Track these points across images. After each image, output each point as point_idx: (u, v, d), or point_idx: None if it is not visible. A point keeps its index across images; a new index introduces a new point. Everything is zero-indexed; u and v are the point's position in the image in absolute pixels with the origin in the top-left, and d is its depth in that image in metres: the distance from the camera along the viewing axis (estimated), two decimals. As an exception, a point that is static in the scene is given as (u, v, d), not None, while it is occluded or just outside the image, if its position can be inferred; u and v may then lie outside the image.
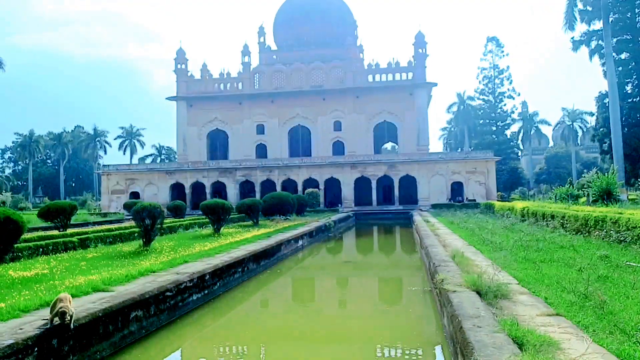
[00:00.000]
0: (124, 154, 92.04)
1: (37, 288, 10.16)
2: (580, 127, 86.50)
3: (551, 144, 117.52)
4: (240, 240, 19.76)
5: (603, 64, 39.96)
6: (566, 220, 19.88)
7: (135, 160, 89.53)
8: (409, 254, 23.62)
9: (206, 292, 12.01)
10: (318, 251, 26.29)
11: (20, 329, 6.92)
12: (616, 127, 34.10)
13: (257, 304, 14.05)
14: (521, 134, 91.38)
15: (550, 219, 22.34)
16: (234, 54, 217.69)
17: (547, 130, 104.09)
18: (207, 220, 31.44)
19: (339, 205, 53.42)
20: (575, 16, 36.31)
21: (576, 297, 7.62)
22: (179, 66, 63.27)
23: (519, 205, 29.06)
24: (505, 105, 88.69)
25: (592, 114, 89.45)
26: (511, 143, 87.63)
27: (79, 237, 18.66)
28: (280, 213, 35.01)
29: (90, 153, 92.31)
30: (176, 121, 63.71)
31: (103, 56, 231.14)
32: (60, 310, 7.00)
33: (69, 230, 21.93)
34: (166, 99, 63.91)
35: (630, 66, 37.80)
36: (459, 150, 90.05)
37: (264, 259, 17.07)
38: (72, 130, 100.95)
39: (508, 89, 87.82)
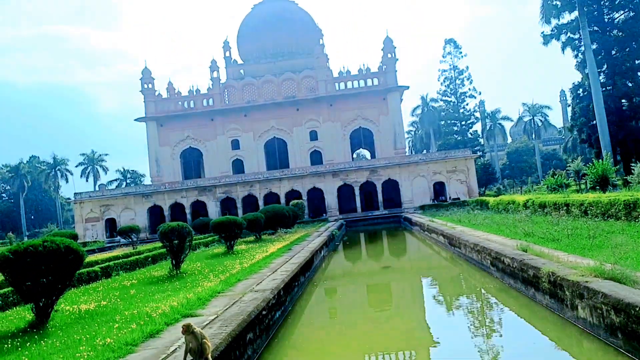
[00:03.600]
0: (87, 180, 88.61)
1: (120, 319, 9.34)
2: (541, 121, 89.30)
3: (509, 139, 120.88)
4: (269, 255, 19.12)
5: (575, 56, 41.58)
6: (587, 208, 20.18)
7: (97, 187, 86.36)
8: (432, 255, 23.35)
9: (282, 308, 11.39)
10: (342, 259, 25.85)
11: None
12: (601, 115, 35.42)
13: (328, 315, 13.41)
14: (486, 132, 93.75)
15: (563, 207, 22.65)
16: (199, 70, 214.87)
17: (506, 127, 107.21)
18: (210, 239, 30.66)
19: (324, 214, 53.03)
20: (551, 9, 37.62)
21: None
22: (145, 86, 61.54)
23: (520, 198, 29.48)
24: (467, 104, 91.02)
25: (550, 108, 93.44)
26: (475, 141, 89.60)
27: (100, 266, 17.58)
28: (279, 226, 34.33)
29: (51, 183, 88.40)
30: (147, 142, 61.82)
31: (48, 82, 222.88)
32: (203, 345, 6.27)
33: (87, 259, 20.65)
34: (135, 120, 61.99)
35: (599, 56, 39.42)
36: (424, 152, 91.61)
37: (307, 271, 16.49)
38: (27, 161, 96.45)
39: (469, 89, 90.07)
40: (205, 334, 6.42)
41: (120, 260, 19.36)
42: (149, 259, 21.17)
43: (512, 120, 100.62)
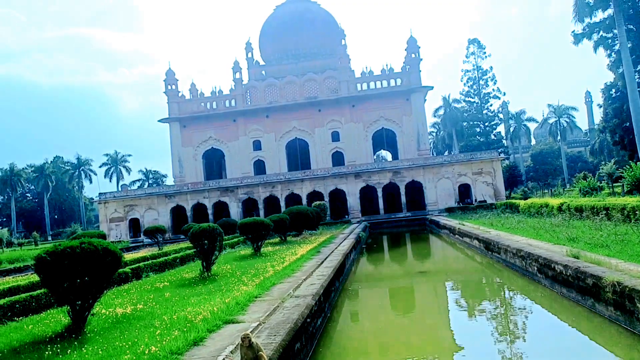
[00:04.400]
0: (110, 181, 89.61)
1: (160, 325, 9.00)
2: (567, 123, 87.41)
3: (533, 141, 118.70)
4: (299, 258, 18.73)
5: (609, 55, 40.44)
6: (629, 212, 19.36)
7: (119, 188, 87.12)
8: (466, 259, 22.66)
9: (322, 315, 10.95)
10: (371, 263, 25.37)
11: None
12: (638, 115, 34.23)
13: (369, 322, 12.93)
14: (510, 133, 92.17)
15: (602, 212, 21.83)
16: (221, 72, 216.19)
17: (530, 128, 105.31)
18: (235, 240, 30.38)
19: (346, 216, 52.48)
20: (584, 7, 36.59)
21: None
22: (169, 87, 61.79)
23: (554, 201, 28.57)
24: (491, 105, 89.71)
25: (576, 109, 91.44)
26: (499, 143, 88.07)
27: (130, 267, 17.37)
28: (304, 228, 33.96)
29: (75, 183, 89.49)
30: (170, 143, 62.05)
31: (71, 83, 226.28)
32: (260, 358, 5.85)
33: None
34: (158, 121, 62.26)
35: (634, 56, 38.15)
36: (446, 153, 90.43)
37: (340, 275, 16.04)
38: (52, 161, 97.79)
39: (493, 89, 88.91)
40: (260, 346, 6.01)
41: (150, 261, 19.15)
42: (177, 260, 20.95)
43: (537, 122, 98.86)
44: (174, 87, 62.09)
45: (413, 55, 59.86)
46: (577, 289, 10.22)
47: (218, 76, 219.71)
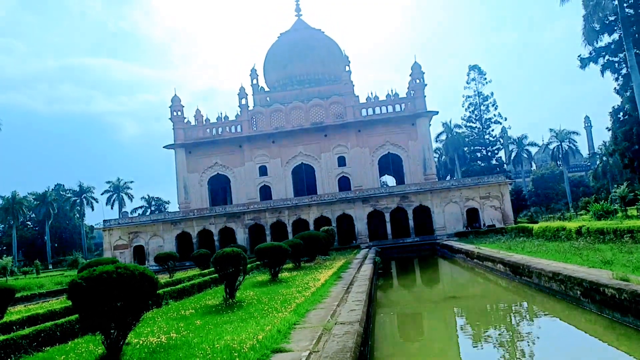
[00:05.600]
0: (112, 208, 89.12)
1: (202, 355, 8.50)
2: (569, 147, 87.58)
3: (533, 166, 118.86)
4: (324, 284, 18.21)
5: (616, 79, 40.65)
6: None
7: (120, 215, 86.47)
8: (492, 284, 22.05)
9: (368, 342, 10.44)
10: (392, 288, 24.81)
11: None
12: (651, 137, 34.32)
13: (410, 351, 12.38)
14: (512, 158, 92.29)
15: (627, 234, 21.46)
16: (226, 99, 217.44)
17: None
18: (248, 267, 29.73)
19: (354, 241, 51.93)
20: (593, 32, 36.98)
21: None
22: (174, 113, 61.85)
23: (572, 225, 28.16)
24: (492, 130, 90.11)
25: (578, 134, 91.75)
26: (500, 168, 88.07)
27: (150, 294, 16.78)
28: (316, 253, 33.43)
29: (76, 211, 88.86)
30: (175, 169, 61.77)
31: (71, 111, 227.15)
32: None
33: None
34: (164, 147, 62.09)
35: (640, 79, 38.36)
36: (448, 177, 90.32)
37: (372, 301, 15.53)
38: (53, 189, 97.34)
39: (494, 115, 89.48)
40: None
41: (168, 288, 18.61)
42: (195, 287, 20.40)
43: (538, 146, 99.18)
44: (179, 113, 62.17)
45: (418, 81, 60.20)
46: (635, 314, 9.77)
47: (223, 103, 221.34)
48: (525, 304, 17.11)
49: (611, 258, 15.70)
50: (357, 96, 62.30)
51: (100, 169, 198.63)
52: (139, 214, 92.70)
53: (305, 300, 14.08)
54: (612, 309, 10.77)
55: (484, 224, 50.09)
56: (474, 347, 12.16)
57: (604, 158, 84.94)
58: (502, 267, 21.29)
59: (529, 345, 11.93)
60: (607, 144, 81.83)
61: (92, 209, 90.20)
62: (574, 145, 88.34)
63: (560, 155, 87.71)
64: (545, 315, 14.78)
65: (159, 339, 10.24)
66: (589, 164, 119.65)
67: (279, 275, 22.92)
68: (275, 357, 8.25)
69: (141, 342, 10.24)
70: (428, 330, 14.61)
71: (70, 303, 15.76)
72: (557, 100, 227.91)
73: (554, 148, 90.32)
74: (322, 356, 7.40)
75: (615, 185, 78.39)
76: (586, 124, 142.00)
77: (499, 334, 13.18)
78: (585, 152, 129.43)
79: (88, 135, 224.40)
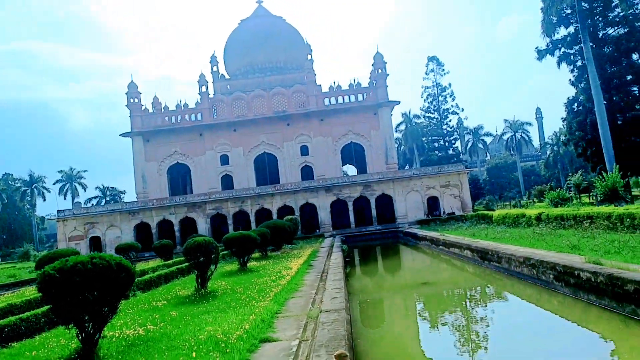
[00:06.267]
0: (65, 198, 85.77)
1: (186, 347, 8.19)
2: (522, 137, 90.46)
3: (488, 156, 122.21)
4: (297, 272, 18.04)
5: (571, 71, 42.02)
6: (615, 220, 19.72)
7: (73, 206, 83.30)
8: (460, 269, 22.35)
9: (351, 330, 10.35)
10: (362, 275, 24.85)
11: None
12: (604, 128, 35.59)
13: (393, 335, 12.36)
14: (468, 148, 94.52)
15: (586, 220, 22.24)
16: (185, 86, 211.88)
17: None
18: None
19: (317, 230, 51.91)
20: (551, 24, 38.03)
21: None
22: (131, 100, 59.82)
23: (531, 211, 29.00)
24: (450, 121, 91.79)
25: (531, 124, 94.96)
26: (457, 157, 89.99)
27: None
28: (282, 242, 33.24)
29: (26, 201, 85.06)
30: (133, 157, 59.87)
31: (18, 99, 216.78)
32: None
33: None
34: (120, 135, 60.06)
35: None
36: (407, 167, 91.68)
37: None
38: (1, 178, 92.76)
39: (452, 105, 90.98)
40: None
41: (135, 279, 17.92)
42: (162, 278, 19.82)
43: (493, 136, 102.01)
44: (136, 100, 60.18)
45: (380, 71, 60.45)
46: (611, 296, 10.08)
47: (180, 93, 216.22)
48: (493, 288, 17.45)
49: (577, 243, 16.20)
50: (320, 85, 61.96)
51: (51, 158, 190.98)
52: (92, 204, 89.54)
53: (282, 289, 13.88)
54: (588, 292, 11.09)
55: (444, 212, 51.04)
56: (452, 330, 12.30)
57: (555, 148, 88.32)
58: (469, 253, 21.70)
59: (505, 327, 12.18)
60: (559, 134, 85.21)
61: (44, 200, 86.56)
62: (527, 136, 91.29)
63: (514, 145, 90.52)
64: (518, 298, 15.14)
65: (135, 332, 9.84)
66: (539, 153, 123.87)
67: (248, 264, 22.60)
68: (265, 346, 8.04)
69: (117, 335, 9.81)
70: (408, 315, 14.67)
71: (32, 296, 15.12)
72: (511, 92, 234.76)
73: (507, 138, 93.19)
74: (315, 345, 7.23)
75: (566, 174, 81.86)
76: (537, 115, 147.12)
77: (479, 318, 13.38)
78: (536, 142, 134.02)
79: (37, 123, 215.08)
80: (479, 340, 11.12)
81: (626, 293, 9.47)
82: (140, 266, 29.74)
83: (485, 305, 15.13)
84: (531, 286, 14.54)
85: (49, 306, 11.32)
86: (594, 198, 33.77)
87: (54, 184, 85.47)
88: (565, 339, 10.45)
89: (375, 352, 10.38)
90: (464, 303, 15.73)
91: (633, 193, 36.71)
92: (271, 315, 10.25)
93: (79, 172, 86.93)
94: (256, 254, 29.02)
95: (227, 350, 7.53)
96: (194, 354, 7.53)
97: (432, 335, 12.21)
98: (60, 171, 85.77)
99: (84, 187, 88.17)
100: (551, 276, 12.93)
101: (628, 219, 18.35)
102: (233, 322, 9.64)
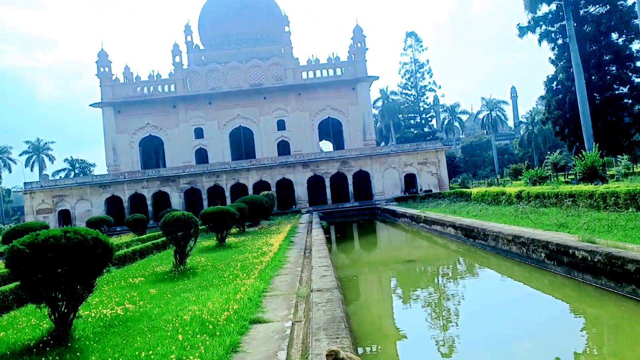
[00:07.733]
0: (32, 170, 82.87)
1: (171, 328, 7.56)
2: (498, 116, 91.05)
3: (462, 134, 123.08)
4: (280, 249, 17.49)
5: (552, 49, 41.95)
6: (598, 199, 19.69)
7: (40, 178, 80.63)
8: (443, 247, 22.11)
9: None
10: (344, 252, 24.47)
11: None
12: (584, 107, 35.71)
13: (385, 305, 11.96)
14: (444, 125, 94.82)
15: (568, 199, 22.19)
16: (158, 56, 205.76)
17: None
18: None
19: (293, 206, 51.47)
20: (534, 0, 37.72)
21: None
22: (101, 69, 57.51)
23: (511, 189, 28.97)
24: (427, 98, 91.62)
25: (507, 103, 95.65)
26: (433, 135, 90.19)
27: (90, 261, 15.35)
28: (260, 218, 32.63)
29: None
30: (103, 129, 57.87)
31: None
32: None
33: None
34: (90, 105, 57.86)
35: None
36: (382, 144, 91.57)
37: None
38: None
39: (429, 82, 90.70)
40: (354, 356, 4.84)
41: (110, 254, 17.11)
42: (137, 254, 19.04)
43: (469, 114, 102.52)
44: (107, 69, 57.91)
45: (359, 45, 59.49)
46: (609, 275, 9.83)
47: (154, 61, 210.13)
48: (479, 266, 17.31)
49: (565, 221, 16.04)
50: (297, 59, 60.72)
51: (17, 128, 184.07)
52: (61, 176, 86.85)
53: (266, 266, 13.31)
54: (583, 271, 10.85)
55: (422, 189, 51.09)
56: (445, 306, 12.00)
57: (530, 127, 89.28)
58: (452, 231, 21.48)
59: (498, 303, 11.94)
60: (534, 113, 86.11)
61: (10, 171, 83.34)
62: (503, 115, 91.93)
63: (490, 123, 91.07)
64: (507, 277, 14.94)
65: (113, 311, 9.14)
66: (513, 132, 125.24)
67: (226, 240, 21.94)
68: (256, 328, 7.49)
69: (93, 314, 9.10)
70: (402, 296, 14.28)
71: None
72: (488, 70, 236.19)
73: (483, 117, 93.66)
74: (312, 327, 6.71)
75: (539, 153, 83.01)
76: (512, 94, 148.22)
77: (469, 294, 13.12)
78: (511, 122, 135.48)
79: (1, 92, 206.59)
80: (473, 318, 10.82)
81: (626, 273, 9.22)
82: (113, 240, 28.68)
83: (475, 281, 14.94)
84: (520, 264, 14.33)
85: (17, 282, 10.60)
86: (570, 177, 34.05)
87: (20, 155, 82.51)
88: (563, 317, 10.26)
89: (366, 330, 9.97)
90: (455, 281, 15.48)
91: (608, 172, 37.23)
92: (258, 294, 9.70)
93: (46, 143, 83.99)
94: (234, 230, 28.37)
95: (217, 333, 6.94)
96: (180, 336, 6.90)
97: (422, 312, 11.87)
98: (27, 142, 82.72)
99: (52, 159, 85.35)
100: (542, 255, 12.69)
101: (612, 198, 18.30)
102: (218, 301, 9.04)
